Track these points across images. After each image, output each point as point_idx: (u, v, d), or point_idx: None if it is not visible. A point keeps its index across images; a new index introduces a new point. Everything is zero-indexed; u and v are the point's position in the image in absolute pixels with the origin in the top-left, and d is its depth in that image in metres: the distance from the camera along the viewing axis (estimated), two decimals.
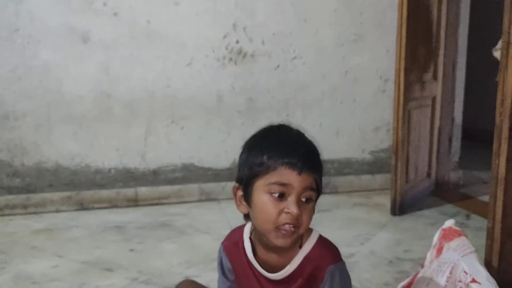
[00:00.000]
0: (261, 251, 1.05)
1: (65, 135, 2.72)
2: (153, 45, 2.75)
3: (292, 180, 0.93)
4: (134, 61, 2.74)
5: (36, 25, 2.59)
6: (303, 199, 0.95)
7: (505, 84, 1.53)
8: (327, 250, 1.04)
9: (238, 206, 1.04)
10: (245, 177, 0.99)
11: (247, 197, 1.00)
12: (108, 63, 2.71)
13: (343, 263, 1.04)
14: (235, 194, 1.04)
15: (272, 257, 1.04)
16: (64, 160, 2.74)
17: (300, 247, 1.03)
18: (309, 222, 0.98)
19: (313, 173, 0.95)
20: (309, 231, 1.05)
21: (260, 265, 1.05)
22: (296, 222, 0.94)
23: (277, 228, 0.95)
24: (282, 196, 0.94)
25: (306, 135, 1.03)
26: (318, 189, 0.98)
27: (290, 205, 0.93)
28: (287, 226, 0.94)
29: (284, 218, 0.94)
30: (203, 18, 2.79)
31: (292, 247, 1.02)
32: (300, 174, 0.93)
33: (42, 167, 2.72)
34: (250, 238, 1.08)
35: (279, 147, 0.96)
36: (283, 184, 0.93)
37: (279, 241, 0.96)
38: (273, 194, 0.94)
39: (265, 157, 0.95)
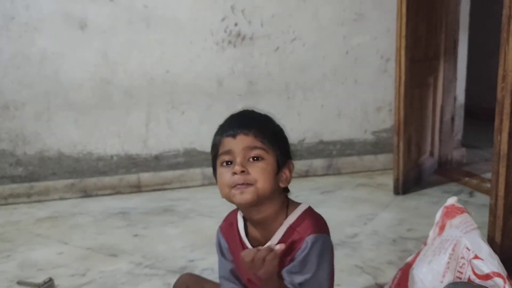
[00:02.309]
0: (251, 229, 1.11)
1: (65, 123, 2.72)
2: (151, 30, 2.72)
3: (232, 145, 1.02)
4: (132, 46, 2.72)
5: (32, 13, 2.57)
6: (251, 160, 1.01)
7: (506, 59, 1.50)
8: (310, 221, 1.05)
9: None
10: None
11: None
12: (106, 49, 2.69)
13: (327, 236, 1.06)
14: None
15: (259, 232, 1.08)
16: (66, 148, 2.75)
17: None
18: (266, 178, 1.01)
19: (250, 132, 1.02)
20: (297, 204, 1.10)
21: (251, 243, 1.09)
22: (245, 180, 0.99)
23: (232, 188, 1.01)
24: (231, 163, 1.02)
25: (270, 116, 1.11)
26: (267, 147, 1.02)
27: (234, 166, 1.00)
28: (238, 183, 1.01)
29: (233, 179, 1.00)
30: (201, 1, 2.75)
31: (275, 220, 1.06)
32: (235, 137, 1.02)
33: (45, 156, 2.72)
34: (244, 218, 1.13)
35: (223, 126, 1.07)
36: (226, 152, 1.03)
37: (239, 198, 1.01)
38: (224, 164, 1.03)
39: (215, 138, 1.08)
